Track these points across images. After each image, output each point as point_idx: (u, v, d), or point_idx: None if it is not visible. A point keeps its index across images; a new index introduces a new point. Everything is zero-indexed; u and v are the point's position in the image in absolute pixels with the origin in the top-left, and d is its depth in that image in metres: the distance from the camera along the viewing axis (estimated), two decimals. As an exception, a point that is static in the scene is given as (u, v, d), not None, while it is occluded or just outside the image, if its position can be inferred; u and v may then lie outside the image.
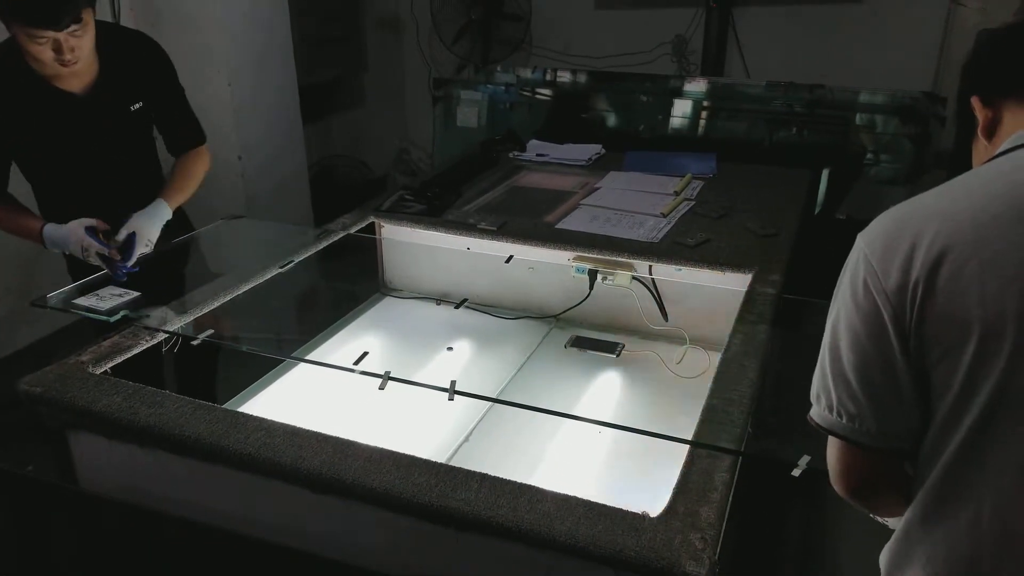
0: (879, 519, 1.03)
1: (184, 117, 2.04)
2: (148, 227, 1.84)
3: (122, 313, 1.67)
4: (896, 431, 0.88)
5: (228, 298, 1.79)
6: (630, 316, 2.05)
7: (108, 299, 1.73)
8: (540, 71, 3.58)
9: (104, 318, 1.66)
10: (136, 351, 1.55)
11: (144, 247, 1.82)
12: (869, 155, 2.98)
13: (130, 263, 1.78)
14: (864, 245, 0.88)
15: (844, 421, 0.89)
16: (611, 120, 3.40)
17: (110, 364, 1.50)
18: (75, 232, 1.78)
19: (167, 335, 1.61)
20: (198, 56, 3.19)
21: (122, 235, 1.80)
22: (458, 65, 4.50)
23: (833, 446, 0.93)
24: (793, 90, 3.11)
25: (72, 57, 1.70)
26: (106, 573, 1.46)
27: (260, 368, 1.82)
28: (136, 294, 1.72)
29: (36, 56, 1.69)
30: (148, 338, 1.59)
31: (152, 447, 1.30)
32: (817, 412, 0.92)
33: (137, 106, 1.92)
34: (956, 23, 3.63)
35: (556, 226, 2.18)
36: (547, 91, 3.49)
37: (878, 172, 2.89)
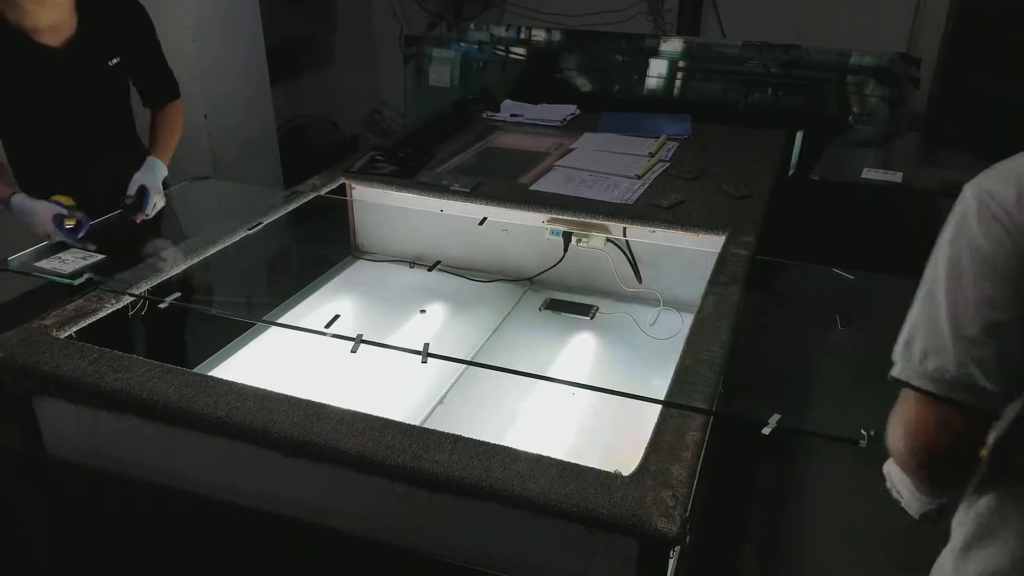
0: (902, 497, 0.98)
1: (161, 71, 2.04)
2: (154, 181, 1.89)
3: (86, 276, 1.62)
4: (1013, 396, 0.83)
5: (196, 260, 1.75)
6: (604, 278, 2.05)
7: (71, 262, 1.68)
8: (514, 29, 3.51)
9: (68, 281, 1.62)
10: (101, 315, 1.52)
11: (159, 197, 1.88)
12: (843, 116, 2.98)
13: (149, 211, 1.85)
14: (988, 192, 0.83)
15: (962, 383, 0.81)
16: (586, 80, 3.36)
17: (75, 328, 1.46)
18: (44, 216, 1.74)
19: (133, 298, 1.58)
20: (162, 13, 3.07)
21: (133, 190, 1.85)
22: (430, 22, 4.40)
23: (928, 411, 0.84)
24: (768, 50, 3.09)
25: None
26: (75, 539, 1.45)
27: (230, 332, 1.79)
28: (101, 256, 1.68)
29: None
30: (113, 301, 1.55)
31: (120, 412, 1.28)
32: (924, 374, 0.84)
33: (115, 61, 1.90)
34: (931, -16, 3.62)
35: (530, 188, 2.16)
36: (521, 50, 3.43)
37: (852, 134, 2.90)
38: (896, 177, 2.32)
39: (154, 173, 1.90)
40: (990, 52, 3.47)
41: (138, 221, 1.83)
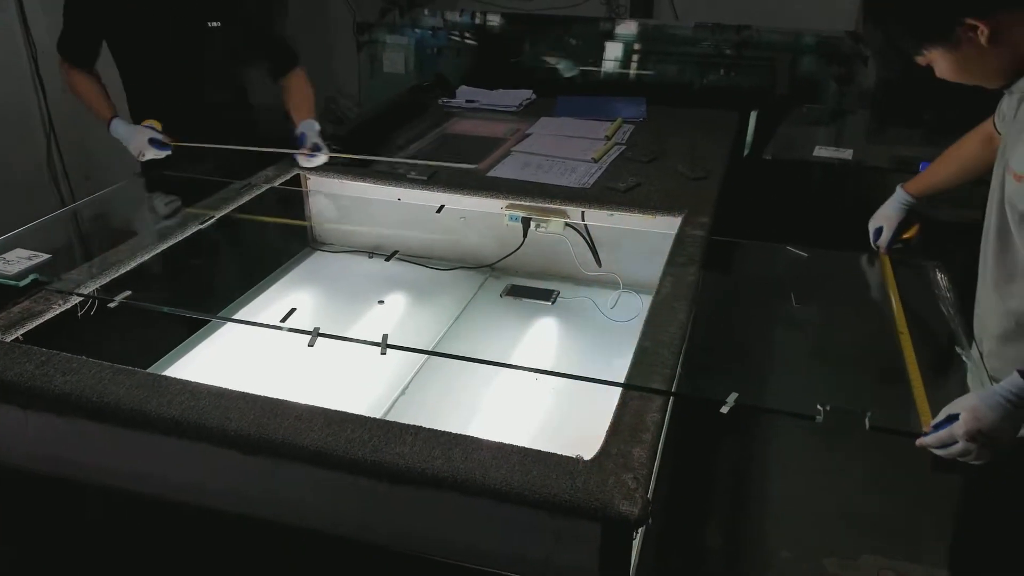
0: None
1: (274, 44, 2.31)
2: (314, 139, 2.12)
3: (32, 277, 1.58)
4: None
5: (146, 257, 1.71)
6: (564, 263, 2.05)
7: (16, 263, 1.63)
8: (468, 14, 3.47)
9: (12, 283, 1.56)
10: (49, 316, 1.48)
11: (323, 154, 2.11)
12: (795, 95, 3.02)
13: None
14: None
15: None
16: (541, 64, 3.35)
17: (21, 331, 1.42)
18: (140, 139, 1.99)
19: (82, 298, 1.54)
20: None
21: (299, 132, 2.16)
22: (382, 8, 4.33)
23: None
24: (720, 31, 3.11)
25: None
26: (29, 547, 1.41)
27: (184, 330, 1.76)
28: (46, 256, 1.62)
29: None
30: (61, 302, 1.51)
31: (70, 415, 1.25)
32: None
33: (215, 24, 2.11)
34: (878, -38, 3.67)
35: (488, 174, 2.14)
36: (476, 35, 3.40)
37: (803, 112, 2.94)
38: (847, 154, 2.35)
39: (311, 129, 2.14)
40: (936, 29, 3.52)
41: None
